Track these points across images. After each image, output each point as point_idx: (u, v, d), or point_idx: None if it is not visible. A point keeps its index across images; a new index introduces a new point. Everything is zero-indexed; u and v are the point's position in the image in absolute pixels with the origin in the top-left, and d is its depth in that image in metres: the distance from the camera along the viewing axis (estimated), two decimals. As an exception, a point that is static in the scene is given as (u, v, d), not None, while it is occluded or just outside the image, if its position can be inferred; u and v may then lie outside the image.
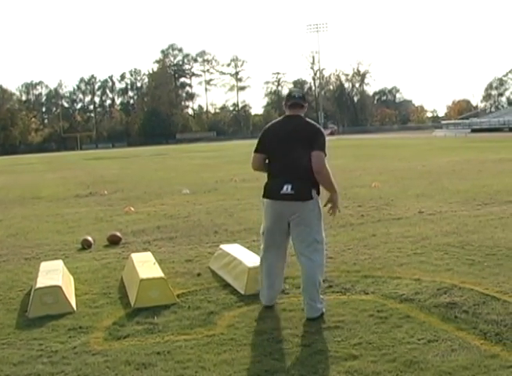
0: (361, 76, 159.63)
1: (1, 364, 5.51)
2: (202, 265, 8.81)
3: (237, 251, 8.42)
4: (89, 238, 11.06)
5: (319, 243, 6.37)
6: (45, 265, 8.28)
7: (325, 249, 6.57)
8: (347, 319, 6.08)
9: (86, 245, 10.80)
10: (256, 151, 6.59)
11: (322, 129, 6.50)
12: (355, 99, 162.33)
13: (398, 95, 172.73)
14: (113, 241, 11.00)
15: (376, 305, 6.50)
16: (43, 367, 5.36)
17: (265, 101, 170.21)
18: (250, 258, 7.79)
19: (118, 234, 11.29)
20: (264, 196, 6.46)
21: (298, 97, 6.51)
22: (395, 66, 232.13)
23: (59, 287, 7.04)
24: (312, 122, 6.44)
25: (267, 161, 6.55)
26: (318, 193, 6.36)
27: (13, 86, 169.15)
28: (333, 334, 5.70)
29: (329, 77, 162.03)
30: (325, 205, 6.54)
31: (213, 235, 11.29)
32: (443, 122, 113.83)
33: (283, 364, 5.07)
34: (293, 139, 6.25)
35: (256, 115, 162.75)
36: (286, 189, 6.15)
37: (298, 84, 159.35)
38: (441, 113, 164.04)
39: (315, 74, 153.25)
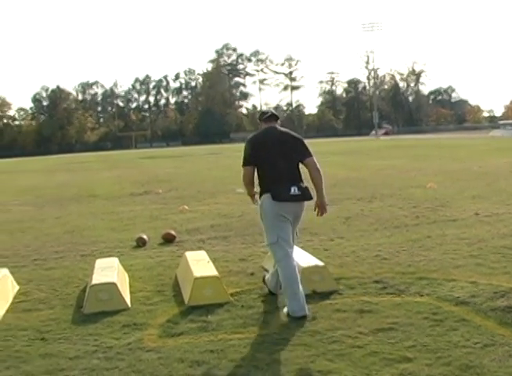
0: (416, 75, 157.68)
1: (58, 358, 5.61)
2: (255, 265, 8.83)
3: (291, 250, 8.38)
4: (144, 236, 11.16)
5: (298, 237, 7.19)
6: (100, 262, 8.40)
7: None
8: (401, 321, 6.02)
9: (141, 243, 10.91)
10: (248, 164, 6.84)
11: (299, 135, 7.13)
12: (410, 98, 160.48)
13: (453, 95, 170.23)
14: (168, 239, 11.09)
15: (431, 308, 6.42)
16: (98, 362, 5.44)
17: (318, 101, 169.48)
18: (303, 258, 7.77)
19: (173, 232, 11.38)
20: (274, 199, 6.61)
21: (271, 112, 7.17)
22: (451, 66, 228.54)
23: (115, 284, 7.13)
24: (288, 131, 7.05)
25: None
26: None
27: (70, 86, 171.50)
28: (387, 335, 5.65)
29: (384, 76, 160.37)
30: (314, 209, 6.98)
31: (267, 234, 11.27)
32: (500, 122, 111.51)
33: (336, 365, 5.04)
34: (282, 147, 6.75)
35: (310, 115, 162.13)
36: (294, 190, 6.62)
37: (352, 83, 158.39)
38: (499, 113, 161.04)
39: (370, 74, 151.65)
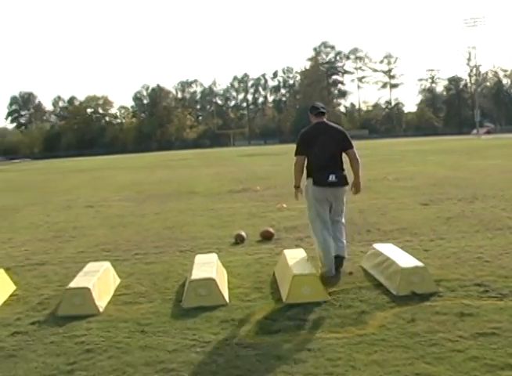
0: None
1: (157, 350, 5.73)
2: (354, 264, 8.75)
3: (390, 250, 8.28)
4: (242, 233, 11.24)
5: (343, 212, 8.30)
6: (199, 258, 8.51)
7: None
8: (504, 327, 5.83)
9: (239, 240, 10.98)
10: (299, 154, 8.13)
11: (343, 128, 8.41)
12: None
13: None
14: (266, 237, 11.13)
15: (537, 313, 6.21)
16: (196, 356, 5.52)
17: (418, 98, 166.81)
18: (404, 259, 7.66)
19: (271, 230, 11.41)
20: (314, 184, 7.96)
21: (322, 107, 8.30)
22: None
23: (214, 280, 7.21)
24: (335, 125, 8.30)
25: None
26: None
27: (170, 84, 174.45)
28: (489, 340, 5.49)
29: (487, 73, 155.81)
30: (351, 188, 8.27)
31: (365, 234, 11.19)
32: None
33: (435, 368, 4.95)
34: (328, 140, 7.99)
35: (409, 113, 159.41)
36: (332, 178, 7.87)
37: (453, 81, 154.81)
38: None
39: (471, 71, 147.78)
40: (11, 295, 8.13)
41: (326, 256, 7.89)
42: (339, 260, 7.94)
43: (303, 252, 8.55)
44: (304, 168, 8.18)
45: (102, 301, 7.31)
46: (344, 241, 8.23)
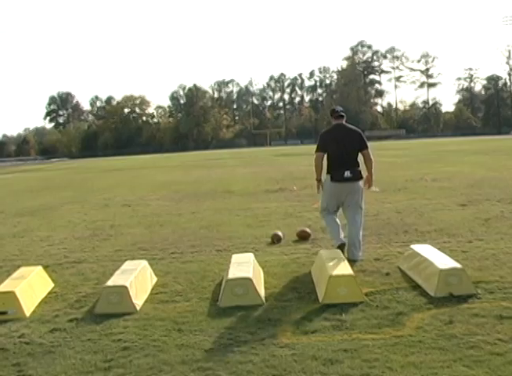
0: None
1: (194, 349, 5.75)
2: (391, 265, 8.69)
3: (428, 251, 8.21)
4: (279, 233, 11.22)
5: (362, 209, 9.39)
6: (236, 258, 8.53)
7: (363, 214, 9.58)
8: (545, 330, 5.75)
9: (276, 240, 10.97)
10: (318, 151, 9.27)
11: (359, 130, 9.47)
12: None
13: None
14: (303, 237, 11.11)
15: None
16: (232, 355, 5.53)
17: (456, 98, 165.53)
18: (442, 260, 7.58)
19: (307, 230, 11.38)
20: (332, 180, 9.18)
21: (341, 111, 9.41)
22: None
23: (250, 280, 7.21)
24: (354, 127, 9.44)
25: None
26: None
27: (206, 84, 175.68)
28: (530, 345, 5.42)
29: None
30: (364, 184, 9.38)
31: (402, 234, 11.10)
32: None
33: (473, 371, 4.89)
34: (345, 140, 9.12)
35: (447, 112, 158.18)
36: (347, 174, 9.05)
37: (492, 80, 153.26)
38: None
39: (511, 70, 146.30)
40: (49, 293, 8.22)
41: (333, 232, 9.42)
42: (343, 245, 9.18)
43: (340, 253, 8.51)
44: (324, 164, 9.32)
45: (139, 299, 7.35)
46: (361, 249, 9.34)
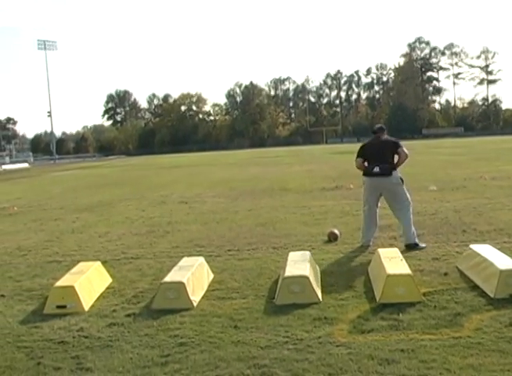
0: None
1: (249, 346, 5.77)
2: (449, 265, 8.58)
3: (488, 251, 8.06)
4: (336, 231, 11.16)
5: (405, 204, 10.31)
6: (293, 255, 8.52)
7: (411, 205, 10.40)
8: None
9: (332, 238, 10.92)
10: (357, 157, 10.60)
11: (397, 140, 10.66)
12: None
13: None
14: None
15: None
16: (288, 353, 5.53)
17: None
18: (502, 260, 7.44)
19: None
20: (363, 175, 10.52)
21: (377, 129, 10.69)
22: None
23: (307, 278, 7.20)
24: (390, 138, 10.64)
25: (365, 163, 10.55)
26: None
27: (263, 82, 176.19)
28: None
29: None
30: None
31: (461, 234, 10.94)
32: None
33: (536, 375, 4.79)
34: (380, 146, 10.37)
35: (507, 110, 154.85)
36: (376, 169, 10.18)
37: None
38: None
39: None
40: (107, 288, 8.34)
41: (363, 228, 10.61)
42: (410, 246, 9.89)
43: (397, 252, 8.45)
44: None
45: (196, 295, 7.41)
46: (411, 230, 10.11)
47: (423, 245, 9.96)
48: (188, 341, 6.02)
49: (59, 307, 7.30)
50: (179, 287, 7.23)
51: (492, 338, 5.66)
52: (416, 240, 10.02)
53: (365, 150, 10.60)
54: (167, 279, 7.56)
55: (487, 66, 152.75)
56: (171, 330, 6.37)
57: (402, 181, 10.30)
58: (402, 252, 8.60)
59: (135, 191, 25.55)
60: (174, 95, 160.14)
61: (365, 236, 10.47)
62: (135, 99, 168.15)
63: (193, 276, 7.70)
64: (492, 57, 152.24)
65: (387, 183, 10.21)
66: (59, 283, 7.75)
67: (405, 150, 10.33)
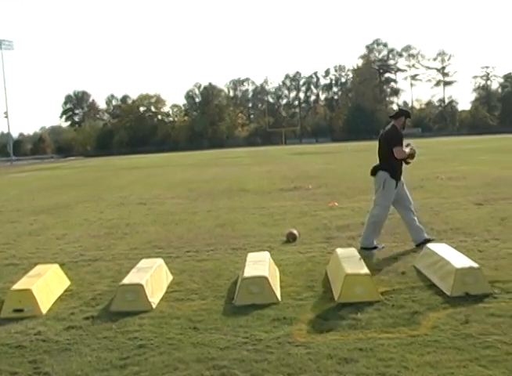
0: None
1: (209, 347, 5.76)
2: (407, 264, 8.67)
3: (444, 250, 8.17)
4: (294, 231, 11.20)
5: (377, 204, 10.02)
6: (252, 256, 8.53)
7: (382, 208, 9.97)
8: None
9: (291, 238, 10.96)
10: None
11: (394, 132, 9.84)
12: None
13: None
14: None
15: None
16: (247, 354, 5.53)
17: (472, 96, 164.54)
18: (458, 259, 7.55)
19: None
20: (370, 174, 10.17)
21: (392, 113, 10.09)
22: None
23: (266, 278, 7.21)
24: (392, 128, 9.87)
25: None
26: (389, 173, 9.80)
27: (222, 83, 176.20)
28: (547, 344, 5.38)
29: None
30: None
31: (418, 233, 11.05)
32: None
33: (490, 372, 4.87)
34: (381, 140, 9.98)
35: (463, 111, 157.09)
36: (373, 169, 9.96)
37: (509, 78, 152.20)
38: None
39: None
40: (65, 290, 8.27)
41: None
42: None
43: (355, 251, 8.52)
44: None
45: (154, 297, 7.37)
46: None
47: (381, 246, 9.88)
48: (147, 343, 5.99)
49: (16, 311, 7.21)
50: (138, 289, 7.19)
51: (448, 335, 5.74)
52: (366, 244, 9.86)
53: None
54: (126, 281, 7.52)
55: (443, 68, 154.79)
56: (130, 333, 6.34)
57: (384, 185, 9.82)
58: (359, 252, 8.66)
59: (93, 193, 25.34)
60: (133, 96, 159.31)
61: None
62: (93, 100, 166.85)
63: (152, 277, 7.67)
64: (448, 59, 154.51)
65: (375, 181, 10.04)
66: (15, 287, 7.65)
67: (400, 149, 9.76)
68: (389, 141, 9.77)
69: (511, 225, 11.48)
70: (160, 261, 8.63)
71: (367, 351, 5.44)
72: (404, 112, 10.18)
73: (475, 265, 7.36)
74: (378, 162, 9.97)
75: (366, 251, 9.56)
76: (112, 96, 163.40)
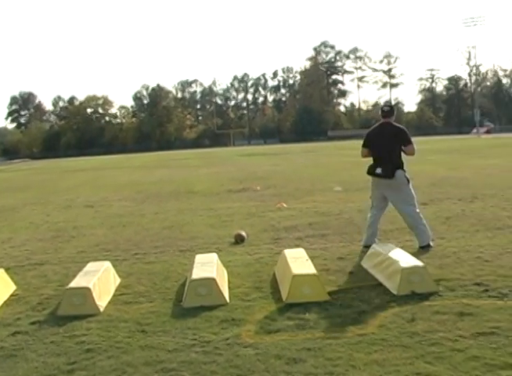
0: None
1: (157, 350, 5.73)
2: (354, 264, 8.77)
3: (390, 250, 8.28)
4: (242, 233, 11.22)
5: (411, 205, 9.68)
6: (200, 258, 8.51)
7: (416, 205, 9.81)
8: (503, 326, 5.82)
9: (239, 239, 10.97)
10: (363, 147, 9.99)
11: (403, 129, 9.89)
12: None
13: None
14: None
15: (537, 313, 6.19)
16: (196, 356, 5.51)
17: (418, 98, 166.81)
18: (404, 258, 7.66)
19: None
20: (367, 173, 9.96)
21: (387, 111, 9.85)
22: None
23: (214, 280, 7.21)
24: (398, 126, 9.84)
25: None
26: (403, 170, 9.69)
27: (170, 84, 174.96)
28: (489, 340, 5.49)
29: (486, 73, 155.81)
30: None
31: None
32: None
33: (435, 368, 4.94)
34: (386, 139, 9.63)
35: (409, 112, 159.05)
36: (379, 170, 9.62)
37: (453, 80, 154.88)
38: None
39: (471, 70, 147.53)
40: (11, 295, 8.13)
41: (366, 229, 9.97)
42: (425, 248, 9.45)
43: (303, 252, 8.55)
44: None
45: (102, 300, 7.31)
46: (422, 227, 9.64)
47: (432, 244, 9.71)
48: (95, 347, 5.93)
49: (-41, 316, 7.08)
50: (85, 292, 7.12)
51: (395, 333, 5.80)
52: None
53: (371, 139, 9.92)
54: (73, 284, 7.44)
55: (389, 70, 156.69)
56: (78, 337, 6.26)
57: (408, 180, 9.76)
58: (307, 252, 8.71)
59: (39, 195, 24.98)
60: (80, 97, 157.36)
61: (365, 235, 9.99)
62: (39, 102, 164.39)
63: (99, 281, 7.60)
64: (395, 61, 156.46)
65: (394, 185, 9.64)
66: (-41, 292, 7.52)
67: (414, 146, 9.77)
68: (403, 138, 9.69)
69: (456, 224, 11.69)
70: (107, 264, 8.56)
71: (315, 351, 5.47)
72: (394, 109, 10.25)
73: (420, 264, 7.49)
74: (382, 162, 9.65)
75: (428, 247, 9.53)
76: (59, 98, 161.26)
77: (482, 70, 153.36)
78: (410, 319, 6.18)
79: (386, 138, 9.63)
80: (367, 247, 9.33)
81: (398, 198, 9.68)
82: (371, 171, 9.79)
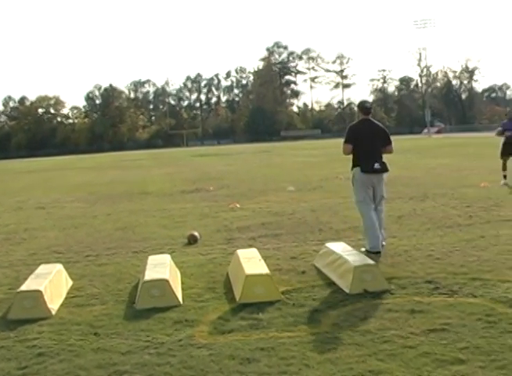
0: (469, 72, 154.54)
1: (110, 353, 5.68)
2: (307, 263, 8.81)
3: (343, 249, 8.36)
4: (195, 233, 11.20)
5: (385, 198, 9.94)
6: (152, 259, 8.47)
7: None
8: (453, 323, 5.92)
9: (192, 240, 10.95)
10: (347, 143, 9.75)
11: (384, 127, 10.10)
12: (463, 96, 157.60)
13: (508, 92, 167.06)
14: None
15: (485, 309, 6.30)
16: (149, 358, 5.49)
17: (370, 98, 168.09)
18: (356, 257, 7.74)
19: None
20: (362, 172, 9.51)
21: (369, 107, 10.02)
22: (506, 62, 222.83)
23: (167, 281, 7.19)
24: (380, 124, 10.05)
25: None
26: None
27: (122, 84, 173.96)
28: (439, 336, 5.57)
29: (437, 74, 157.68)
30: None
31: (318, 233, 11.25)
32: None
33: (388, 365, 4.99)
34: (373, 136, 9.68)
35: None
36: (377, 166, 9.51)
37: (404, 81, 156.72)
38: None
39: (422, 71, 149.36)
40: (-40, 299, 7.99)
41: (372, 233, 9.30)
42: (378, 253, 9.10)
43: (256, 252, 8.57)
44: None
45: (54, 303, 7.23)
46: (383, 232, 9.71)
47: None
48: (47, 350, 5.85)
49: None
50: (36, 295, 7.03)
51: (348, 331, 5.85)
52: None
53: (355, 135, 9.75)
54: (24, 287, 7.34)
55: (342, 70, 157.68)
56: (29, 341, 6.17)
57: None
58: (260, 252, 8.74)
59: (-12, 198, 24.58)
60: (32, 97, 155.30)
61: (373, 239, 9.31)
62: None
63: (51, 283, 7.51)
64: (347, 62, 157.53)
65: (381, 179, 9.73)
66: None
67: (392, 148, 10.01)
68: (387, 136, 9.89)
69: (407, 223, 11.84)
70: (59, 266, 8.47)
71: (269, 350, 5.48)
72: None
73: (372, 262, 7.58)
74: (376, 156, 9.64)
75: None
76: (9, 98, 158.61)
77: (432, 71, 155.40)
78: (363, 318, 6.24)
79: (375, 134, 9.76)
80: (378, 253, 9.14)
81: (380, 193, 9.74)
82: (367, 168, 9.51)
